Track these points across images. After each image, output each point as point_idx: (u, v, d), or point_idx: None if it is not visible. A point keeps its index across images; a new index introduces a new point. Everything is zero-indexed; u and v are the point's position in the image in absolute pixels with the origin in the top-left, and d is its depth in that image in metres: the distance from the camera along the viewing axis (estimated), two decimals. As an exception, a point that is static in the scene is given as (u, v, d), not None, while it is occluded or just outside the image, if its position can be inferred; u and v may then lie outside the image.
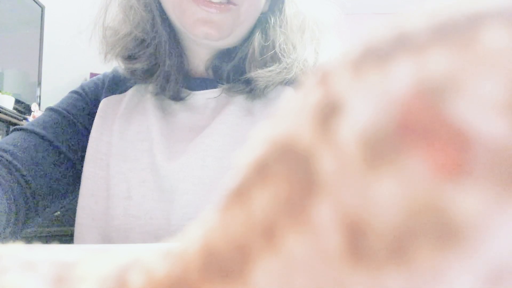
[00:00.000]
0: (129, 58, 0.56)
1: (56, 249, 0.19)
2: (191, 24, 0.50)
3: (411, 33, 0.10)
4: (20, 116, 2.07)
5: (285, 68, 0.53)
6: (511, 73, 0.08)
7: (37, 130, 0.53)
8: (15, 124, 1.95)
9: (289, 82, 0.56)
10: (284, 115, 0.11)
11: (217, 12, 0.49)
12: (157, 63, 0.55)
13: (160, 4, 0.53)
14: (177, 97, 0.56)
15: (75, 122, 0.57)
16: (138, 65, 0.55)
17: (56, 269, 0.16)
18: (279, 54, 0.53)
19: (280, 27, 0.54)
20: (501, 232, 0.08)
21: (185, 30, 0.52)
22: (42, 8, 2.52)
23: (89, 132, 0.57)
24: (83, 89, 0.60)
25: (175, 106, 0.56)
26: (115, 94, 0.58)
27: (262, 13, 0.55)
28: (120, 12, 0.56)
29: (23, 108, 2.26)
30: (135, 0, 0.53)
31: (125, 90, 0.59)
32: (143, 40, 0.55)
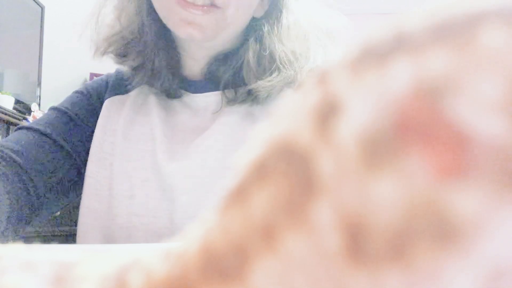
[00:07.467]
0: (119, 55, 0.58)
1: (56, 249, 0.19)
2: (175, 24, 0.51)
3: (410, 33, 0.10)
4: (20, 116, 2.07)
5: (286, 78, 0.53)
6: (510, 73, 0.08)
7: (41, 128, 0.54)
8: (15, 124, 1.95)
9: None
10: (283, 115, 0.11)
11: (201, 14, 0.50)
12: (145, 61, 0.57)
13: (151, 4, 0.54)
14: (170, 94, 0.57)
15: (78, 121, 0.57)
16: (128, 63, 0.57)
17: (56, 269, 0.16)
18: (279, 63, 0.53)
19: (277, 35, 0.54)
20: (500, 232, 0.09)
21: (172, 29, 0.53)
22: (42, 8, 2.52)
23: (92, 131, 0.57)
24: (87, 89, 0.61)
25: (178, 108, 0.57)
26: (119, 94, 0.59)
27: (256, 20, 0.55)
28: (113, 12, 0.57)
29: (23, 108, 2.26)
30: (126, 1, 0.54)
31: (129, 91, 0.59)
32: (132, 39, 0.57)
